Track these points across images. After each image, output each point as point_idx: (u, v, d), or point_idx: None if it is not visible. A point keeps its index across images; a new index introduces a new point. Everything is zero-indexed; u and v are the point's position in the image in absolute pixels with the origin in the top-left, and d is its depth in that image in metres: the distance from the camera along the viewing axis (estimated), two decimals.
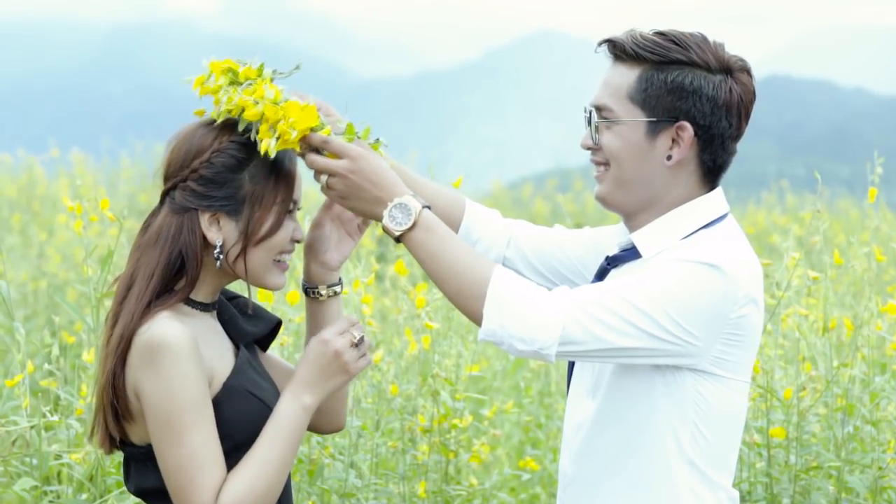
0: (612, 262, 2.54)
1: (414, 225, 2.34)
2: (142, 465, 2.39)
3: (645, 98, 2.44)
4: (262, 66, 2.39)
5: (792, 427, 3.71)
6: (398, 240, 2.36)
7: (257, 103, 2.32)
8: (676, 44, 2.44)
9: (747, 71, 2.48)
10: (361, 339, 2.37)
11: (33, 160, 12.09)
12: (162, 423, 2.28)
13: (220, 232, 2.37)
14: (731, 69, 2.46)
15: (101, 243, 3.75)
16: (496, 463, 5.14)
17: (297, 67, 2.46)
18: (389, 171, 2.38)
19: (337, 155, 2.35)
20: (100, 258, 3.60)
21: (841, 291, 5.60)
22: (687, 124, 2.44)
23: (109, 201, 3.54)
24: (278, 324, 2.58)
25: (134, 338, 2.30)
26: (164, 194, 2.42)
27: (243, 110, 2.33)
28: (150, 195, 10.45)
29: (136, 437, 2.37)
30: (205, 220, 2.37)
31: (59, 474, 3.78)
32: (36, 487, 3.57)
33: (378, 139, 2.43)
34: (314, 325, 2.58)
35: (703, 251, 2.36)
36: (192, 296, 2.42)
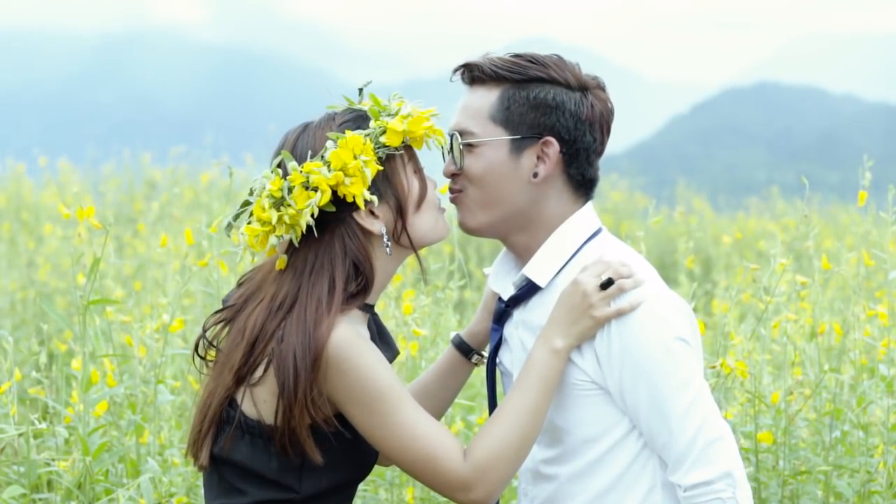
0: (511, 303, 2.51)
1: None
2: (238, 433, 2.28)
3: (507, 116, 2.42)
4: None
5: (780, 432, 3.71)
6: None
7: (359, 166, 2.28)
8: (534, 62, 2.43)
9: (602, 88, 2.48)
10: (609, 280, 2.29)
11: (21, 168, 12.06)
12: (369, 425, 2.22)
13: (379, 219, 2.33)
14: (588, 87, 2.46)
15: (89, 251, 3.74)
16: None
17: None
18: None
19: None
20: (87, 267, 3.59)
21: (830, 296, 5.60)
22: (552, 139, 2.42)
23: (96, 209, 3.53)
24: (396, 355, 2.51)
25: (324, 352, 2.21)
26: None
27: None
28: (140, 202, 10.43)
29: (247, 405, 2.27)
30: (361, 217, 2.31)
31: (47, 482, 3.78)
32: (24, 495, 3.56)
33: None
34: (442, 383, 2.64)
35: (665, 318, 2.34)
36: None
